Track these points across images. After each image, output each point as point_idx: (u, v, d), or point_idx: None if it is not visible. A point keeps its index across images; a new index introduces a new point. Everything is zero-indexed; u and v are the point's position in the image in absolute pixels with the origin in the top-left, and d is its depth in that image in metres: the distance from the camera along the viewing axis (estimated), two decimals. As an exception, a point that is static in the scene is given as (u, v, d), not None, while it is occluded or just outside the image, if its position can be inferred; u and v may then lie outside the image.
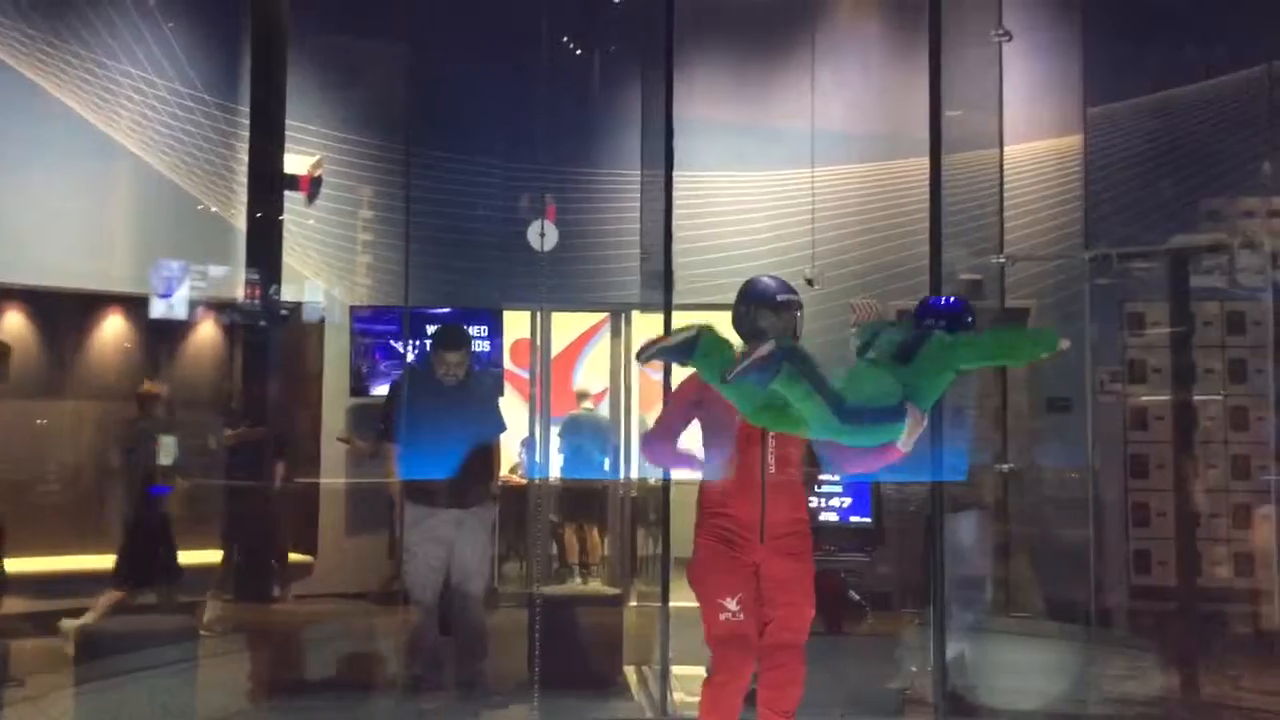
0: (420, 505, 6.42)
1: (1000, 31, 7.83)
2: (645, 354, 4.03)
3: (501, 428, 6.87)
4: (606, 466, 9.79)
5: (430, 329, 7.90)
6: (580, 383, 10.56)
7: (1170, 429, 8.48)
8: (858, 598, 6.95)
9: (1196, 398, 8.33)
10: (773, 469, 4.40)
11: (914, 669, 6.55)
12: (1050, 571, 8.47)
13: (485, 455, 6.60)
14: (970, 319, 4.15)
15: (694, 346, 3.84)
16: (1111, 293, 8.68)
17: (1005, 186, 8.00)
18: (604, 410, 10.11)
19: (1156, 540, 8.71)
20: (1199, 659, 7.28)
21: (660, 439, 4.63)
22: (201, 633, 7.45)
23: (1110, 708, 6.66)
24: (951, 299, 4.40)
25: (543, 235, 8.07)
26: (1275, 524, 7.93)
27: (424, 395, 6.45)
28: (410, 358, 8.66)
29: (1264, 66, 8.49)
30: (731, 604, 4.31)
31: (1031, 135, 9.34)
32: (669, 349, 3.94)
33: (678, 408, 4.61)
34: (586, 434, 9.86)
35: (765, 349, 3.70)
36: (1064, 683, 6.70)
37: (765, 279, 4.60)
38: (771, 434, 4.37)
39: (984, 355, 4.18)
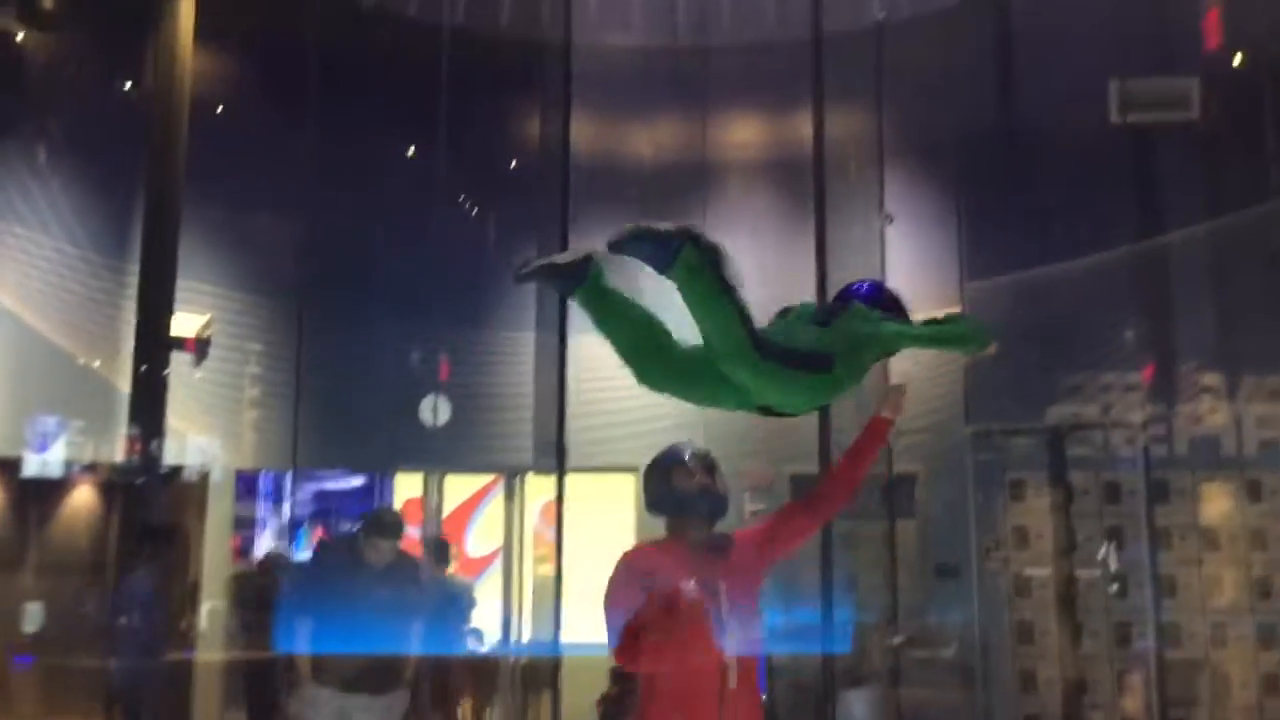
0: (326, 687, 6.09)
1: (885, 215, 8.19)
2: (524, 273, 3.30)
3: (422, 607, 6.65)
4: (468, 632, 9.39)
5: (316, 488, 7.74)
6: (469, 544, 10.33)
7: (1053, 596, 8.64)
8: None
9: (1079, 572, 8.52)
10: (734, 682, 3.60)
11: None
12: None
13: (404, 642, 6.34)
14: (894, 310, 3.69)
15: (586, 270, 3.18)
16: (994, 464, 8.92)
17: (890, 359, 8.24)
18: (494, 573, 9.87)
19: (1044, 708, 8.76)
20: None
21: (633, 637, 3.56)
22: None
23: None
24: (871, 284, 3.88)
25: (435, 410, 7.99)
26: (1147, 692, 8.08)
27: (349, 573, 6.21)
28: (289, 520, 8.47)
29: (1125, 249, 9.02)
30: None
31: (914, 306, 9.66)
32: (555, 268, 3.22)
33: (629, 603, 3.65)
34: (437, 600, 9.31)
35: (664, 226, 3.04)
36: None
37: (667, 447, 3.96)
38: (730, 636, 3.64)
39: (906, 337, 3.68)
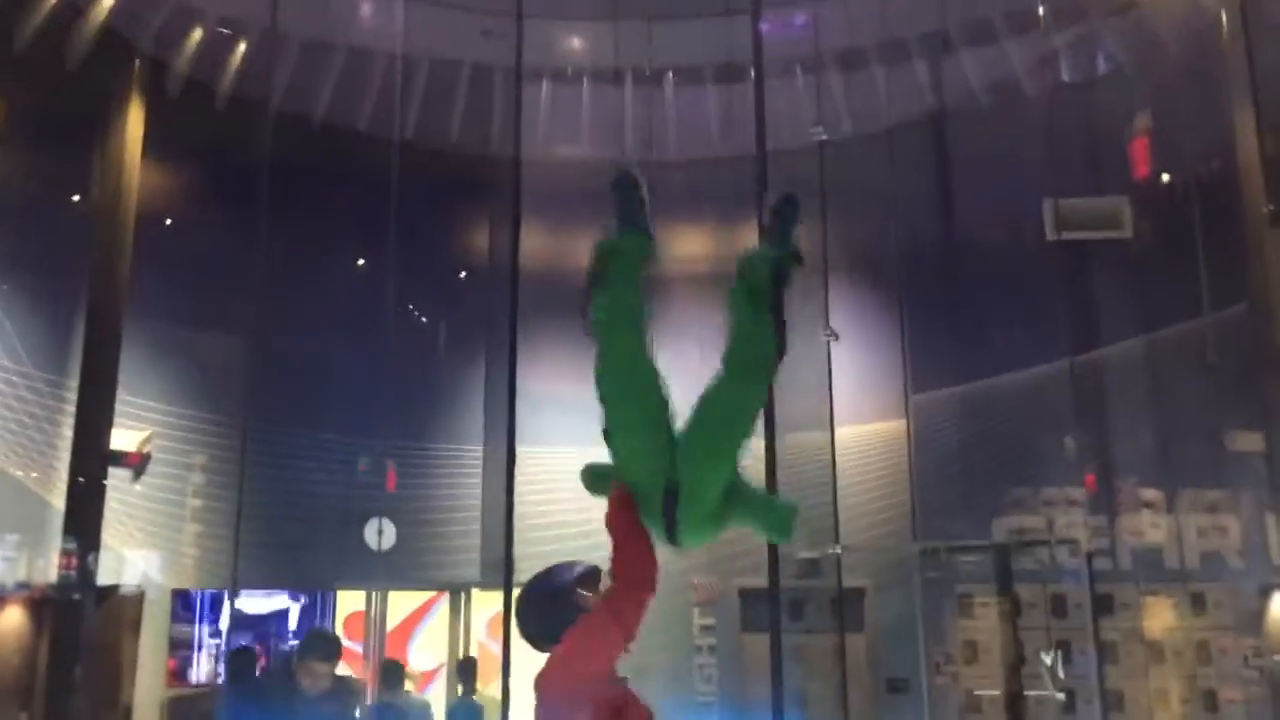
0: None
1: (828, 332, 8.27)
2: (621, 179, 3.23)
3: None
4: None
5: (257, 607, 7.52)
6: (413, 659, 10.06)
7: (1003, 714, 8.57)
8: None
9: (1028, 693, 8.46)
10: None
11: None
12: None
13: None
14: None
15: (647, 231, 3.28)
16: (941, 579, 8.93)
17: (839, 465, 8.26)
18: (438, 689, 9.60)
19: (998, 826, 8.63)
20: None
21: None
22: None
23: None
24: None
25: (380, 534, 7.84)
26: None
27: (282, 702, 5.97)
28: (227, 642, 8.22)
29: (1066, 361, 9.17)
30: None
31: (860, 419, 9.76)
32: (638, 205, 3.27)
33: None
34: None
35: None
36: None
37: (546, 570, 3.50)
38: None
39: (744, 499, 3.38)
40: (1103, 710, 8.45)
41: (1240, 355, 8.60)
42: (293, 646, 7.20)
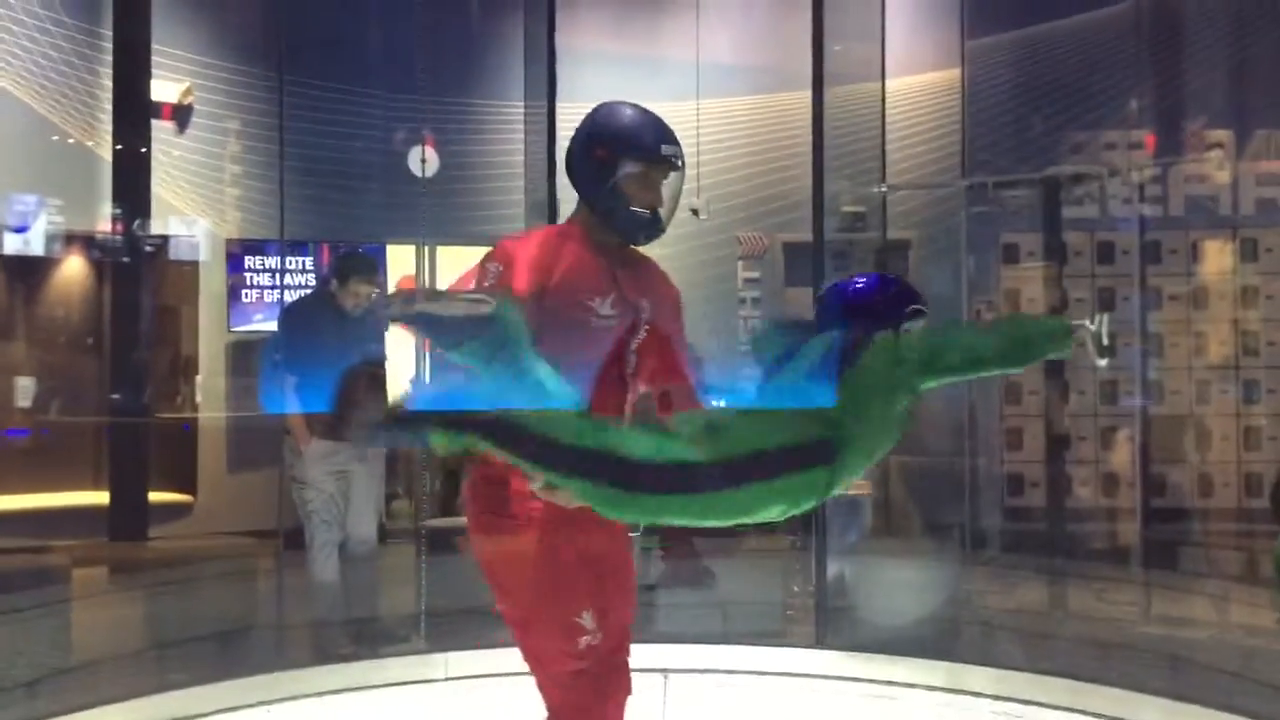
0: (325, 439, 6.11)
1: (886, -40, 7.86)
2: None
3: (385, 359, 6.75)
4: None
5: (308, 261, 7.68)
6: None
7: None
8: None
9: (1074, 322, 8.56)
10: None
11: (795, 589, 6.70)
12: (927, 495, 8.71)
13: (385, 388, 6.46)
14: (914, 306, 2.73)
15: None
16: (988, 223, 8.88)
17: (886, 121, 8.07)
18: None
19: (1029, 463, 9.02)
20: (1066, 575, 7.63)
21: None
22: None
23: (982, 623, 6.89)
24: (873, 279, 2.92)
25: (424, 161, 7.84)
26: (1134, 447, 8.31)
27: (327, 325, 6.15)
28: (289, 294, 8.47)
29: (1131, 2, 8.72)
30: (588, 621, 2.84)
31: (912, 69, 9.44)
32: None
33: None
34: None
35: None
36: (938, 600, 6.89)
37: (639, 111, 3.00)
38: (641, 358, 2.93)
39: (962, 361, 2.69)
40: (1143, 353, 8.61)
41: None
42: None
